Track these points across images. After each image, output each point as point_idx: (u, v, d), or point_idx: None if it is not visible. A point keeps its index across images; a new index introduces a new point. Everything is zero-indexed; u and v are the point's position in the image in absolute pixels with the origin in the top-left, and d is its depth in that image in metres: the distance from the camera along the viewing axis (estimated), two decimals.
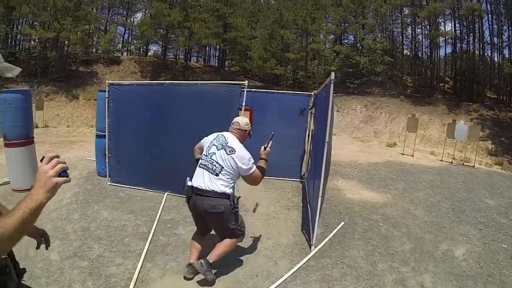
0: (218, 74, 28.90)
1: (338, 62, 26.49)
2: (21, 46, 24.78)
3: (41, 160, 1.24)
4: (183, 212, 5.01)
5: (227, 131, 3.53)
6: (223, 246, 3.34)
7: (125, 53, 31.45)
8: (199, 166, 3.38)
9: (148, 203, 5.53)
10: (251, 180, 3.37)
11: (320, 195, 4.10)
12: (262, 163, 3.45)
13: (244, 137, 3.53)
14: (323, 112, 4.55)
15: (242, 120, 3.59)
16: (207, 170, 3.28)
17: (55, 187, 1.19)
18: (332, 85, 4.09)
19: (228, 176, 3.27)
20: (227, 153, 3.25)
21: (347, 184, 7.30)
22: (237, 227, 3.36)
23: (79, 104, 20.98)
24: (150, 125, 5.96)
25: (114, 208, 5.27)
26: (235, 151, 3.26)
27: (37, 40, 22.94)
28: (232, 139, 3.38)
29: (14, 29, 23.25)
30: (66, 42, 23.53)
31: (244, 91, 5.21)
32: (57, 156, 1.24)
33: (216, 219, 3.30)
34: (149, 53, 32.19)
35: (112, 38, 27.52)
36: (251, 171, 3.28)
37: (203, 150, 3.51)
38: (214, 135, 3.51)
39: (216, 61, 36.96)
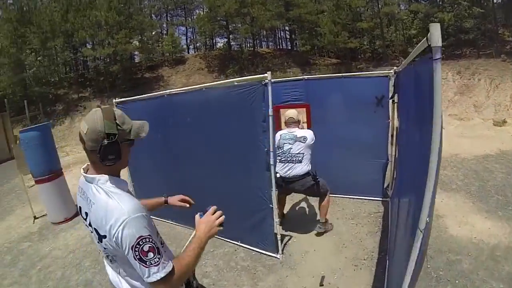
0: (289, 56, 26.97)
1: (417, 24, 22.46)
2: (86, 66, 26.14)
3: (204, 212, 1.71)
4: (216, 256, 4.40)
5: (286, 129, 4.51)
6: (324, 205, 4.47)
7: (192, 51, 31.65)
8: (281, 161, 4.33)
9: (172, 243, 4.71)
10: None
11: (418, 248, 1.80)
12: None
13: (300, 124, 4.62)
14: (418, 99, 2.48)
15: (293, 113, 4.51)
16: (291, 162, 4.30)
17: (216, 234, 1.67)
18: (437, 52, 1.72)
19: (308, 158, 4.31)
20: (302, 142, 4.28)
21: (449, 202, 5.21)
22: (321, 188, 4.36)
23: None
24: (161, 150, 5.22)
25: None
26: (306, 137, 4.30)
27: (99, 58, 23.98)
28: (297, 131, 4.39)
29: (78, 53, 24.62)
30: (128, 53, 24.22)
31: (267, 87, 3.69)
32: (217, 209, 1.73)
33: (306, 190, 4.45)
34: (218, 47, 31.74)
35: (174, 39, 27.38)
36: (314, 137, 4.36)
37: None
38: (278, 136, 4.45)
39: (289, 43, 34.83)
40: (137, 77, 24.92)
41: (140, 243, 1.37)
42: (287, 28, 32.05)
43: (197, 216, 1.71)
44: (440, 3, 22.64)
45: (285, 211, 5.17)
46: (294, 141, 4.27)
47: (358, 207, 5.36)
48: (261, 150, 3.88)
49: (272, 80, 3.69)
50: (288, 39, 34.93)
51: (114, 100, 5.65)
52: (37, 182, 5.87)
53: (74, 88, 23.36)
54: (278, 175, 4.17)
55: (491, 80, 14.58)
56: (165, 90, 20.80)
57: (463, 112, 13.09)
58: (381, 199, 5.46)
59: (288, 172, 4.28)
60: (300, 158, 4.23)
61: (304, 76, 5.54)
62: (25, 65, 20.72)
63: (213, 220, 1.67)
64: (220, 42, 32.18)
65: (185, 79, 24.41)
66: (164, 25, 30.74)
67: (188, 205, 2.15)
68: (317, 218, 4.74)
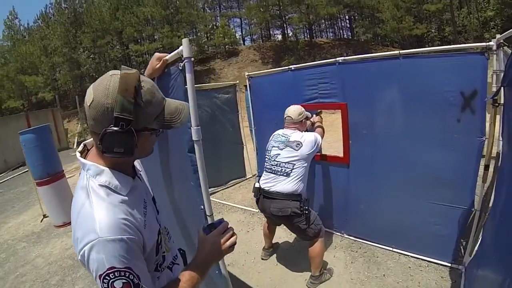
0: (349, 46, 24.73)
1: (495, 4, 19.11)
2: (137, 61, 26.29)
3: (211, 226, 1.34)
4: None
5: (282, 129, 3.38)
6: (315, 255, 3.26)
7: (248, 42, 31.11)
8: (265, 170, 3.29)
9: None
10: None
11: None
12: (318, 124, 3.57)
13: (305, 126, 3.40)
14: None
15: (293, 111, 3.32)
16: (275, 173, 3.16)
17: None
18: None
19: (300, 173, 3.11)
20: (295, 149, 3.11)
21: None
22: (309, 227, 3.13)
23: None
24: None
25: None
26: (301, 143, 3.11)
27: (147, 53, 24.71)
28: (292, 133, 3.23)
29: (127, 49, 25.24)
30: (176, 47, 24.39)
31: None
32: (226, 223, 1.36)
33: (285, 221, 3.24)
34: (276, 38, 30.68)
35: (226, 31, 26.37)
36: (321, 142, 3.27)
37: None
38: (271, 136, 3.43)
39: (349, 32, 32.49)
40: None
41: (111, 276, 0.98)
42: (345, 16, 30.18)
43: (200, 232, 1.34)
44: None
45: (276, 240, 4.12)
46: (285, 146, 3.17)
47: (409, 275, 3.37)
48: None
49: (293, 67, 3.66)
50: (347, 28, 32.84)
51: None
52: (37, 184, 5.87)
53: None
54: (256, 185, 3.31)
55: None
56: (215, 82, 20.22)
57: None
58: (449, 265, 3.31)
59: (269, 185, 3.16)
60: (288, 170, 3.10)
61: (338, 59, 3.50)
62: (79, 63, 22.19)
63: (223, 242, 1.30)
64: (278, 33, 31.19)
65: (238, 71, 23.49)
66: (214, 17, 30.12)
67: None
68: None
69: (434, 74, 2.94)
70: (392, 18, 20.44)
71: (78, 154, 1.19)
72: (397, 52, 3.07)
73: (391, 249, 3.75)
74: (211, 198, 2.02)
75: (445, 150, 3.03)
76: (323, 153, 4.02)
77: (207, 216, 1.93)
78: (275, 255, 4.03)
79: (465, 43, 18.56)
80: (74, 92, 21.45)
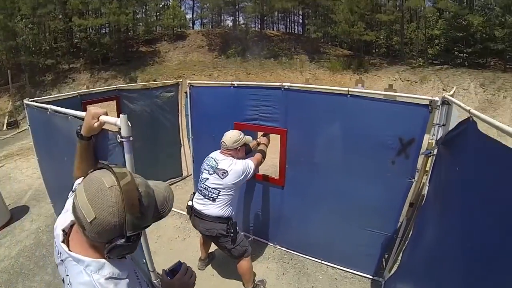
0: (298, 42, 24.87)
1: (442, 24, 20.31)
2: (79, 36, 24.31)
3: (173, 271, 1.47)
4: None
5: (216, 152, 3.36)
6: (244, 272, 3.47)
7: (197, 26, 30.39)
8: (197, 190, 3.36)
9: None
10: (256, 170, 3.32)
11: None
12: (263, 147, 3.56)
13: (242, 153, 3.33)
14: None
15: (229, 138, 3.24)
16: (204, 196, 3.23)
17: None
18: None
19: (226, 200, 3.18)
20: (220, 177, 3.12)
21: None
22: (235, 248, 3.28)
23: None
24: None
25: None
26: (227, 172, 3.11)
27: (92, 28, 23.16)
28: (223, 160, 3.21)
29: (70, 22, 22.84)
30: (122, 24, 22.57)
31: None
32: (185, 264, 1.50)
33: (212, 240, 3.42)
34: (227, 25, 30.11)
35: (176, 13, 25.41)
36: (251, 170, 3.21)
37: None
38: (207, 157, 3.39)
39: (300, 28, 32.61)
40: (132, 50, 23.50)
41: None
42: (300, 12, 30.09)
43: (164, 277, 1.47)
44: (471, 5, 20.35)
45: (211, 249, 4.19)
46: (213, 172, 3.18)
47: (335, 286, 3.80)
48: None
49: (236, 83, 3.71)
50: (300, 24, 32.86)
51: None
52: None
53: (65, 58, 22.21)
54: (189, 203, 3.39)
55: None
56: (160, 66, 19.37)
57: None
58: (371, 277, 3.81)
59: (199, 207, 3.26)
60: (214, 195, 3.16)
61: (284, 84, 3.48)
62: (16, 32, 20.06)
63: (191, 283, 1.49)
64: (228, 20, 30.55)
65: (183, 56, 22.91)
66: None
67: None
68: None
69: (378, 117, 3.07)
70: (345, 21, 20.90)
71: (64, 247, 1.13)
72: (346, 89, 3.10)
73: (320, 261, 4.11)
74: None
75: (378, 186, 3.26)
76: (263, 173, 4.14)
77: (150, 272, 2.04)
78: (211, 265, 4.12)
79: (409, 55, 19.53)
80: (7, 65, 19.43)
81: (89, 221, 0.98)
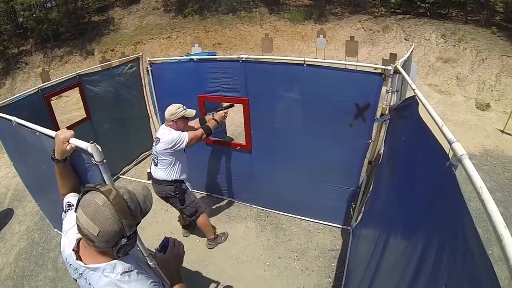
0: None
1: None
2: (24, 15, 21.95)
3: (164, 247, 1.71)
4: None
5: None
6: (201, 226, 3.96)
7: None
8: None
9: None
10: (191, 144, 3.42)
11: None
12: (211, 123, 3.60)
13: (181, 125, 3.48)
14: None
15: (167, 111, 3.45)
16: (152, 161, 3.60)
17: None
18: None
19: (166, 163, 3.47)
20: (155, 144, 3.43)
21: None
22: (185, 208, 3.71)
23: (95, 60, 18.08)
24: None
25: None
26: (159, 139, 3.39)
27: (35, 5, 20.80)
28: (162, 130, 3.46)
29: (12, 1, 20.71)
30: None
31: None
32: (172, 239, 1.76)
33: (168, 201, 3.74)
34: None
35: None
36: (183, 141, 3.35)
37: None
38: None
39: None
40: (84, 21, 21.89)
41: None
42: None
43: (158, 254, 1.71)
44: None
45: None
46: (157, 142, 3.48)
47: (309, 237, 4.25)
48: None
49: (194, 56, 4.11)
50: None
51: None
52: None
53: (13, 42, 20.38)
54: (148, 170, 3.75)
55: (477, 52, 12.57)
56: (116, 35, 18.37)
57: (444, 84, 11.32)
58: (340, 227, 4.31)
59: (152, 172, 3.65)
60: (156, 160, 3.53)
61: (241, 56, 3.57)
62: None
63: (181, 252, 1.76)
64: None
65: (139, 21, 21.61)
66: None
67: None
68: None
69: (334, 85, 3.24)
70: None
71: (80, 263, 1.41)
72: (302, 59, 3.22)
73: (293, 216, 4.54)
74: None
75: (339, 147, 3.55)
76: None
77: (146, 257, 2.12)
78: (196, 231, 4.39)
79: (371, 3, 19.08)
80: None
81: (95, 235, 1.26)
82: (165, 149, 3.37)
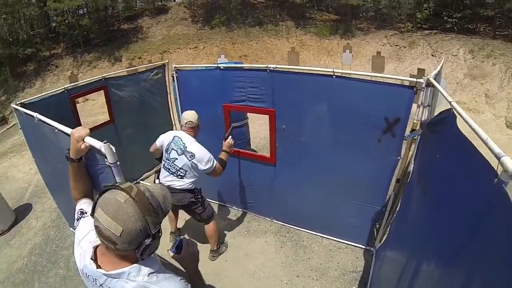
0: (283, 8, 23.51)
1: None
2: (56, 20, 22.82)
3: (178, 247, 1.57)
4: None
5: (181, 131, 3.55)
6: (211, 234, 3.92)
7: None
8: (164, 168, 3.56)
9: None
10: (213, 174, 3.48)
11: None
12: (223, 156, 3.61)
13: (197, 132, 3.58)
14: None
15: (194, 116, 3.52)
16: (172, 174, 3.46)
17: None
18: None
19: (191, 177, 3.47)
20: (188, 159, 3.35)
21: None
22: (204, 211, 3.68)
23: (122, 66, 18.43)
24: None
25: None
26: (195, 155, 3.34)
27: (68, 11, 21.68)
28: (189, 143, 3.41)
29: (45, 7, 21.34)
30: (100, 4, 21.53)
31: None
32: (185, 239, 1.62)
33: (183, 208, 3.74)
34: None
35: None
36: (212, 168, 3.39)
37: (161, 149, 3.62)
38: (170, 135, 3.54)
39: None
40: (114, 29, 22.52)
41: None
42: None
43: (174, 255, 1.58)
44: None
45: (179, 225, 4.58)
46: (182, 153, 3.41)
47: (330, 257, 4.03)
48: None
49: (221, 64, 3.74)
50: None
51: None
52: None
53: (45, 45, 21.21)
54: (157, 181, 3.67)
55: (507, 68, 11.98)
56: (144, 43, 18.70)
57: (473, 101, 10.89)
58: (363, 247, 4.05)
59: (168, 183, 3.50)
60: (182, 174, 3.45)
61: (269, 66, 3.47)
62: None
63: (196, 251, 1.64)
64: None
65: (166, 30, 21.96)
66: None
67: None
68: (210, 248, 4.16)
69: (364, 98, 3.11)
70: None
71: (100, 271, 1.30)
72: (331, 70, 3.12)
73: (315, 233, 4.37)
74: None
75: (366, 163, 3.37)
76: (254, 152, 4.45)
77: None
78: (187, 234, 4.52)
79: (397, 19, 19.00)
80: None
81: (118, 235, 1.16)
82: (198, 166, 3.34)
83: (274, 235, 4.41)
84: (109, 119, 5.39)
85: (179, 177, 3.43)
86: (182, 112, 4.60)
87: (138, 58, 18.94)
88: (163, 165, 3.58)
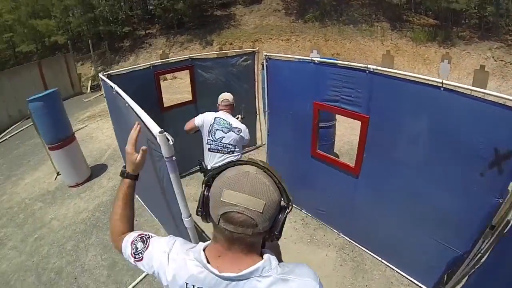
0: (379, 8, 22.11)
1: None
2: (153, 3, 24.80)
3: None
4: None
5: (219, 111, 3.77)
6: None
7: None
8: (211, 151, 3.67)
9: None
10: (246, 145, 3.95)
11: None
12: None
13: (233, 109, 3.85)
14: None
15: (229, 96, 3.85)
16: (221, 152, 3.64)
17: None
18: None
19: (239, 151, 3.73)
20: (236, 133, 3.62)
21: None
22: None
23: (213, 50, 19.12)
24: None
25: None
26: (241, 130, 3.66)
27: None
28: (232, 120, 3.70)
29: None
30: None
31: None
32: None
33: None
34: None
35: None
36: (249, 139, 3.83)
37: (197, 128, 3.75)
38: (210, 117, 3.70)
39: None
40: (207, 14, 23.27)
41: None
42: None
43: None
44: None
45: None
46: (228, 130, 3.64)
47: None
48: None
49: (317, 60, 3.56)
50: None
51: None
52: (49, 148, 5.90)
53: (141, 25, 23.14)
54: (206, 165, 3.77)
55: None
56: (236, 30, 19.11)
57: None
58: None
59: (223, 162, 3.59)
60: (232, 149, 3.65)
61: (369, 66, 3.10)
62: (93, 5, 21.45)
63: (276, 244, 1.53)
64: None
65: (259, 20, 22.10)
66: None
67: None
68: None
69: (474, 119, 2.61)
70: None
71: (231, 274, 1.03)
72: (440, 81, 2.68)
73: (380, 259, 3.88)
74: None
75: (459, 197, 2.87)
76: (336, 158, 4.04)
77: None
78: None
79: (504, 29, 16.95)
80: (88, 35, 21.19)
81: (261, 211, 0.98)
82: (242, 138, 3.68)
83: (337, 251, 4.09)
84: (191, 99, 5.51)
85: (230, 152, 3.63)
86: (268, 102, 4.51)
87: (229, 44, 19.39)
88: (209, 148, 3.67)
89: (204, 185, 1.11)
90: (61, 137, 5.79)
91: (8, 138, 10.40)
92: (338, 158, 5.27)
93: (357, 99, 3.33)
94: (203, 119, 3.68)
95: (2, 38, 22.68)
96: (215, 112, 3.74)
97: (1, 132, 10.92)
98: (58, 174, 6.47)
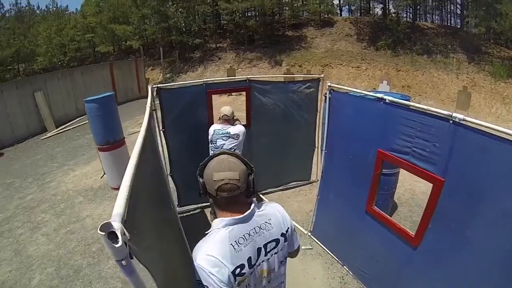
0: (455, 37, 21.03)
1: None
2: (226, 19, 25.82)
3: None
4: None
5: (217, 124, 4.56)
6: None
7: (344, 13, 28.78)
8: None
9: None
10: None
11: None
12: None
13: (232, 123, 4.57)
14: None
15: (228, 110, 4.50)
16: None
17: None
18: None
19: (239, 151, 4.43)
20: (235, 139, 4.39)
21: None
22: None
23: (280, 71, 19.17)
24: None
25: None
26: (239, 134, 4.43)
27: (236, 12, 23.87)
28: (230, 128, 4.43)
29: (216, 5, 24.27)
30: (267, 8, 22.66)
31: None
32: None
33: None
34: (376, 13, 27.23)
35: None
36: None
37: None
38: (211, 130, 4.49)
39: (458, 20, 26.73)
40: (278, 33, 23.39)
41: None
42: (458, 0, 25.37)
43: None
44: None
45: None
46: (227, 138, 4.38)
47: None
48: None
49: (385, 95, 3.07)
50: (457, 15, 27.17)
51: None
52: (98, 149, 6.17)
53: (213, 38, 24.07)
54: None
55: None
56: (306, 52, 18.77)
57: None
58: None
59: None
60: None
61: (454, 115, 2.43)
62: (168, 16, 22.94)
63: None
64: (378, 8, 27.25)
65: (330, 44, 21.74)
66: None
67: None
68: None
69: None
70: None
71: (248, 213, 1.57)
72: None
73: None
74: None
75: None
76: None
77: None
78: None
79: None
80: (160, 43, 22.79)
81: (238, 178, 1.50)
82: (242, 139, 4.43)
83: None
84: (245, 123, 5.17)
85: None
86: (327, 140, 4.04)
87: (299, 66, 19.31)
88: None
89: (198, 175, 1.58)
90: (110, 140, 6.02)
91: (72, 128, 11.49)
92: (397, 208, 4.66)
93: (433, 155, 2.68)
94: (209, 133, 4.47)
95: (84, 38, 26.16)
96: (216, 125, 4.52)
97: (67, 122, 11.88)
98: (104, 173, 6.71)
